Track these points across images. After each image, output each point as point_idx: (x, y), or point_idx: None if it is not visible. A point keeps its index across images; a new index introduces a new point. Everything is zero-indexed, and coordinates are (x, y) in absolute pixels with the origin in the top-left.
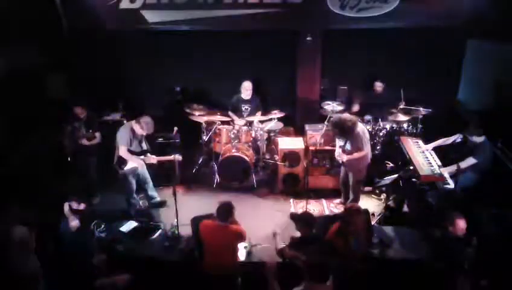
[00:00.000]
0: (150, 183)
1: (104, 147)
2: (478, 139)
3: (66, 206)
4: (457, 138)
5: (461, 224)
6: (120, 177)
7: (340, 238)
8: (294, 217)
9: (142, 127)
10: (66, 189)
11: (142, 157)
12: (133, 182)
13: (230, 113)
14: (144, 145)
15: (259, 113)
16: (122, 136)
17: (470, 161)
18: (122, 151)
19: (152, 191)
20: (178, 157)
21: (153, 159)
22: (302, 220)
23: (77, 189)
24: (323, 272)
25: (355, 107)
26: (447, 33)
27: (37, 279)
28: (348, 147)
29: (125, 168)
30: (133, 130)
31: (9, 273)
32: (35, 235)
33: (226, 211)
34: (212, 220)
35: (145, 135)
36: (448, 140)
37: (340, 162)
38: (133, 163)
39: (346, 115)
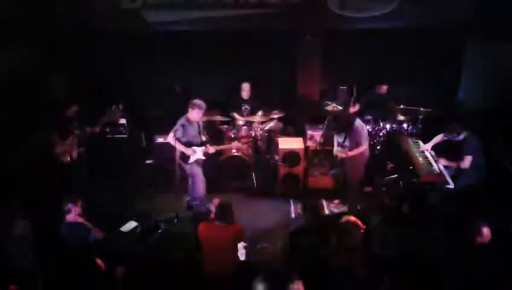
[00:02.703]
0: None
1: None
2: (460, 136)
3: (73, 214)
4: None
5: (486, 232)
6: (187, 172)
7: (344, 256)
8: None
9: (192, 109)
10: (64, 189)
11: (201, 148)
12: (200, 176)
13: (234, 114)
14: (203, 137)
15: (259, 113)
16: (176, 126)
17: (468, 159)
18: (169, 137)
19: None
20: (237, 144)
21: (211, 149)
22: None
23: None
24: None
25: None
26: (447, 33)
27: (36, 278)
28: (347, 143)
29: (190, 161)
30: (188, 120)
31: (9, 271)
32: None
33: (225, 211)
34: (211, 220)
35: (200, 120)
36: (438, 138)
37: (339, 159)
38: (197, 155)
39: (345, 111)
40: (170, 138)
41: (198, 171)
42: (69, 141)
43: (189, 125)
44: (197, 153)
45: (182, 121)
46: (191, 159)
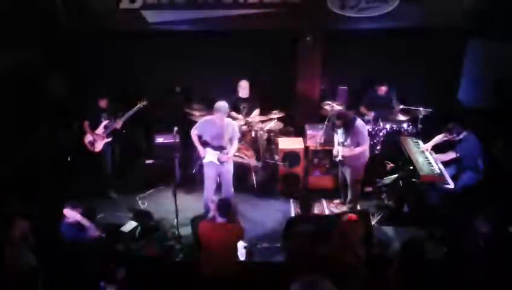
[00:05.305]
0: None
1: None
2: (460, 136)
3: (74, 215)
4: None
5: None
6: (196, 170)
7: (348, 252)
8: None
9: (215, 113)
10: (66, 189)
11: (215, 152)
12: (209, 180)
13: (232, 113)
14: (223, 142)
15: (257, 111)
16: (199, 122)
17: (450, 154)
18: (191, 132)
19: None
20: (255, 162)
21: (224, 157)
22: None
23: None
24: None
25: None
26: (447, 33)
27: (35, 278)
28: (348, 142)
29: (202, 161)
30: (214, 120)
31: (8, 271)
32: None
33: (226, 207)
34: (211, 219)
35: (222, 123)
36: (438, 138)
37: (339, 158)
38: (210, 157)
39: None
40: (192, 132)
41: (208, 174)
42: (98, 131)
43: (212, 126)
44: (208, 155)
45: (207, 118)
46: (205, 160)
